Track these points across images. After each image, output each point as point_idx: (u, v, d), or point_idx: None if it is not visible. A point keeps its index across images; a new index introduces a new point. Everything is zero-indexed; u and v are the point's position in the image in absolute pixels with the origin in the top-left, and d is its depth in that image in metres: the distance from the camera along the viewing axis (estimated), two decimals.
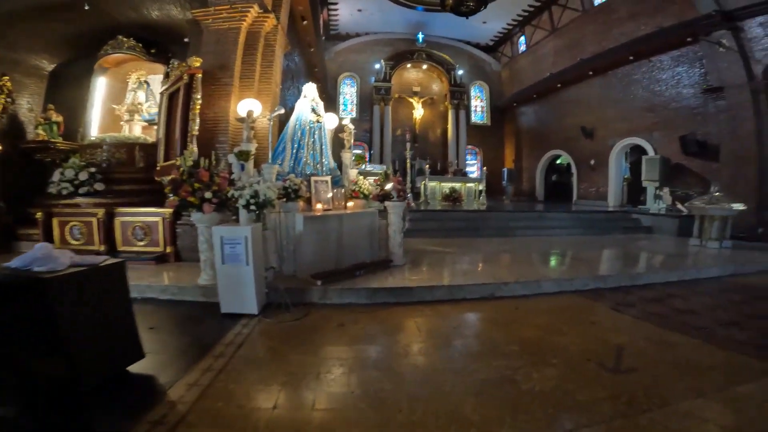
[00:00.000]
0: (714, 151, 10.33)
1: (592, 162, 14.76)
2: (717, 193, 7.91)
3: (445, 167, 16.62)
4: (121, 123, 8.19)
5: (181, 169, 4.59)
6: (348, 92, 19.78)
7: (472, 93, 20.77)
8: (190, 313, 4.13)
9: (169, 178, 4.66)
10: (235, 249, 4.04)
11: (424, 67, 19.53)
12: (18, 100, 8.33)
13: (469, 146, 19.89)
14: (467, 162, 19.67)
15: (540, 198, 17.93)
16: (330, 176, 5.69)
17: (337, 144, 6.64)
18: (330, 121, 6.36)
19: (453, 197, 12.52)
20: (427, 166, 12.73)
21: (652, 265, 6.08)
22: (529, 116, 19.02)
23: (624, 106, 13.32)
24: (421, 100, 19.37)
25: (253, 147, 5.40)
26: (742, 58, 9.21)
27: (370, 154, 18.36)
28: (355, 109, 19.58)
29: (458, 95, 19.05)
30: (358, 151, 19.00)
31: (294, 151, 5.55)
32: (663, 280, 5.47)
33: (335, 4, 17.11)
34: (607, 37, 13.53)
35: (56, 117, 8.55)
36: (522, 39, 19.10)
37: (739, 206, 7.81)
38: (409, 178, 10.25)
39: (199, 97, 5.73)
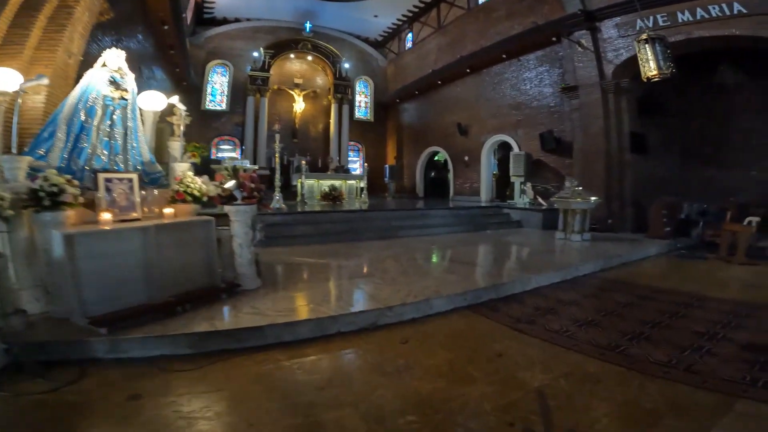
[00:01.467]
0: (568, 148, 11.05)
1: (466, 158, 15.08)
2: (577, 188, 8.21)
3: (327, 164, 15.37)
4: None
5: None
6: (218, 81, 17.22)
7: (357, 88, 19.94)
8: None
9: None
10: None
11: (309, 58, 17.99)
12: None
13: (352, 142, 18.97)
14: (350, 159, 18.73)
15: (420, 194, 17.92)
16: (137, 173, 3.93)
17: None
18: (152, 101, 4.55)
19: (333, 196, 11.32)
20: (304, 162, 11.27)
21: (537, 266, 5.74)
22: (411, 113, 18.90)
23: (494, 103, 13.76)
24: (303, 92, 17.80)
25: None
26: (596, 58, 9.76)
27: (242, 150, 16.11)
28: (225, 100, 17.12)
29: (343, 89, 17.99)
30: (229, 148, 16.64)
31: (71, 136, 3.65)
32: (548, 282, 5.09)
33: None
34: (485, 35, 13.79)
35: None
36: (410, 35, 18.83)
37: (596, 199, 8.22)
38: (278, 175, 8.66)
39: None
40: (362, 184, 12.18)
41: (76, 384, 2.40)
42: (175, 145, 4.64)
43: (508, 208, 11.13)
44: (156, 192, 4.03)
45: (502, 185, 13.56)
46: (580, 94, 10.28)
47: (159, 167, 4.45)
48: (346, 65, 18.05)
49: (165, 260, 3.62)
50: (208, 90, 16.94)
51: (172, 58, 12.30)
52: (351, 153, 19.16)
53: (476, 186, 14.70)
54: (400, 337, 3.29)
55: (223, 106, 17.02)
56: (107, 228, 3.35)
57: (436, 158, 18.01)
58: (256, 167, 11.53)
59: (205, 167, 6.62)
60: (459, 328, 3.61)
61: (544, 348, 3.17)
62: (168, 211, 3.94)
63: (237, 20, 17.55)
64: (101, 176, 3.66)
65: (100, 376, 2.52)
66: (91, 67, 4.01)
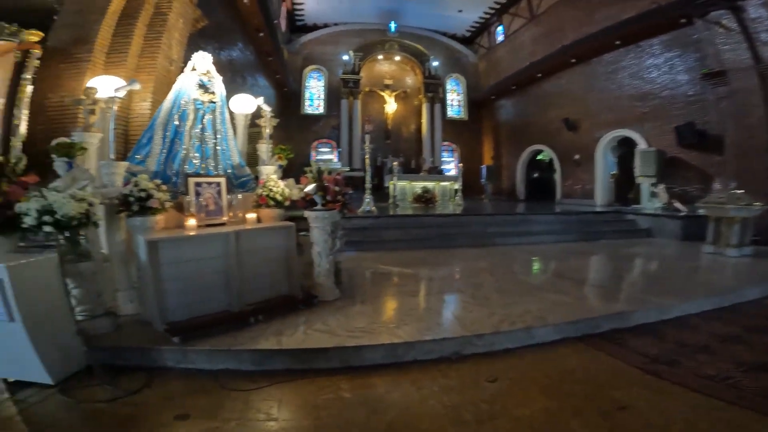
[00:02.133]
0: (716, 143, 9.00)
1: (577, 157, 13.39)
2: (737, 190, 6.46)
3: (420, 165, 15.01)
4: None
5: None
6: (314, 86, 18.08)
7: (448, 86, 19.25)
8: None
9: None
10: None
11: (397, 58, 17.92)
12: None
13: (445, 142, 18.33)
14: (443, 159, 18.12)
15: (521, 197, 16.48)
16: (225, 177, 3.93)
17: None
18: (242, 104, 4.62)
19: (425, 198, 10.91)
20: (396, 163, 11.03)
21: (680, 287, 4.52)
22: (508, 109, 17.60)
23: (610, 95, 12.00)
24: (394, 93, 17.77)
25: (94, 138, 3.63)
26: (746, 39, 8.04)
27: (339, 152, 16.60)
28: (322, 104, 17.89)
29: (433, 88, 17.47)
30: (327, 152, 17.33)
31: (167, 141, 3.77)
32: (698, 310, 3.92)
33: None
34: (588, 21, 12.18)
35: None
36: (500, 29, 17.72)
37: (762, 205, 6.39)
38: (368, 177, 8.51)
39: (28, 77, 3.95)
40: (456, 185, 11.57)
41: (138, 394, 2.34)
42: (263, 148, 4.62)
43: (632, 214, 9.46)
44: (240, 196, 3.99)
45: (624, 187, 11.65)
46: (729, 80, 8.36)
47: (248, 170, 4.45)
48: (435, 63, 17.44)
49: (245, 267, 3.52)
50: (306, 95, 17.82)
51: (271, 65, 13.14)
52: (445, 153, 18.51)
53: (589, 188, 12.95)
54: (487, 373, 2.66)
55: (321, 110, 17.72)
56: (191, 234, 3.33)
57: (539, 157, 16.43)
58: (347, 169, 11.62)
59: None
60: (567, 366, 2.84)
61: (693, 401, 2.29)
62: (250, 216, 3.87)
63: (326, 25, 18.11)
64: (191, 180, 3.71)
65: (162, 388, 2.43)
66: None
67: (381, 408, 2.28)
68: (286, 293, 3.78)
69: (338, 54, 17.33)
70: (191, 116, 3.84)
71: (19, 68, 4.00)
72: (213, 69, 3.99)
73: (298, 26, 17.79)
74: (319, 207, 3.98)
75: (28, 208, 2.61)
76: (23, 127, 3.99)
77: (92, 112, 3.58)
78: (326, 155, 17.04)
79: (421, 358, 2.80)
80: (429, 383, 2.54)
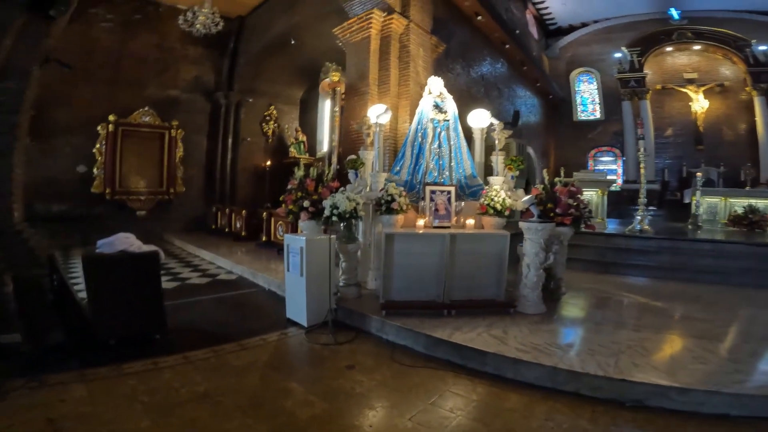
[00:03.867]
0: None
1: None
2: None
3: (758, 177, 10.86)
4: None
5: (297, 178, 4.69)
6: (586, 90, 16.33)
7: None
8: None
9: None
10: (295, 258, 3.83)
11: (697, 47, 13.71)
12: (282, 124, 11.13)
13: None
14: None
15: None
16: (455, 186, 4.53)
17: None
18: (478, 119, 5.11)
19: (748, 221, 7.92)
20: (699, 174, 8.56)
21: None
22: None
23: None
24: (702, 88, 13.60)
25: (370, 155, 4.99)
26: None
27: (623, 161, 14.26)
28: (598, 108, 15.90)
29: (766, 77, 12.31)
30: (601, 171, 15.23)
31: (414, 156, 4.74)
32: None
33: None
34: None
35: (302, 137, 10.87)
36: None
37: None
38: (642, 190, 7.11)
39: (337, 109, 5.86)
40: None
41: (342, 345, 3.34)
42: (496, 159, 4.92)
43: None
44: (463, 204, 4.49)
45: None
46: None
47: (479, 180, 4.90)
48: (762, 48, 12.21)
49: (457, 266, 4.01)
50: (578, 100, 16.25)
51: (527, 74, 12.72)
52: None
53: None
54: None
55: (597, 115, 15.79)
56: (419, 232, 4.14)
57: None
58: (615, 180, 9.79)
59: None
60: None
61: None
62: (469, 222, 4.31)
63: (584, 25, 15.98)
64: (428, 188, 4.53)
65: (357, 345, 3.36)
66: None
67: (488, 419, 2.29)
68: (492, 297, 4.01)
69: (607, 52, 15.01)
70: (430, 134, 4.67)
71: (332, 103, 6.12)
72: (445, 90, 4.68)
73: (551, 30, 16.60)
74: (535, 219, 3.95)
75: (326, 204, 4.05)
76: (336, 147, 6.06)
77: (368, 134, 4.98)
78: (608, 165, 14.92)
79: (584, 393, 2.47)
80: (565, 420, 2.26)
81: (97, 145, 8.75)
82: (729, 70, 13.82)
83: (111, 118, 8.72)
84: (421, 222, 4.30)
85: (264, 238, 7.85)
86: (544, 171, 4.73)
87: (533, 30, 15.10)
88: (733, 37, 13.24)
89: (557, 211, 4.25)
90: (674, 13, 14.35)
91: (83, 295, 3.31)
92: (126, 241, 3.33)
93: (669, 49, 14.45)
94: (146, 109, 9.30)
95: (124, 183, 9.11)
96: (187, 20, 7.33)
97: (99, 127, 8.69)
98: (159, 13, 9.43)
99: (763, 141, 12.54)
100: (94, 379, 2.58)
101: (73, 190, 8.53)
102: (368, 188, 4.72)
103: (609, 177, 9.76)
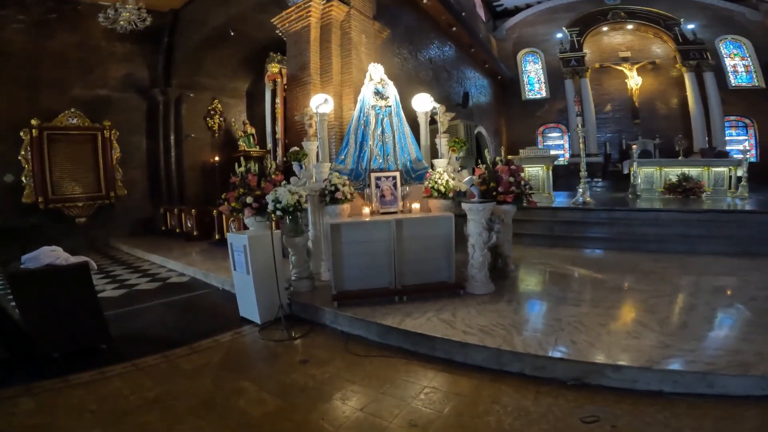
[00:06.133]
0: None
1: None
2: None
3: (690, 147, 11.64)
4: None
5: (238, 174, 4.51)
6: (532, 69, 17.05)
7: (723, 50, 14.35)
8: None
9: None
10: (240, 257, 3.74)
11: (629, 27, 14.74)
12: (229, 118, 10.71)
13: (732, 117, 13.56)
14: (730, 138, 13.40)
15: None
16: (399, 170, 4.52)
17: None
18: (420, 103, 5.10)
19: (683, 188, 8.46)
20: (635, 146, 9.09)
21: None
22: None
23: None
24: (636, 66, 14.60)
25: (313, 145, 4.88)
26: None
27: (569, 137, 14.92)
28: (543, 87, 16.66)
29: (696, 54, 13.46)
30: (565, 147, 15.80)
31: (358, 143, 4.67)
32: None
33: None
34: None
35: (250, 129, 10.50)
36: None
37: None
38: (582, 163, 7.43)
39: (278, 100, 5.67)
40: (740, 171, 8.43)
41: (296, 340, 3.30)
42: (439, 142, 4.95)
43: None
44: (408, 188, 4.49)
45: None
46: None
47: (425, 164, 4.91)
48: (691, 26, 13.38)
49: (406, 252, 4.02)
50: (525, 80, 16.88)
51: (476, 56, 12.96)
52: (732, 132, 13.74)
53: None
54: (592, 411, 2.14)
55: (543, 94, 16.53)
56: (363, 220, 4.10)
57: None
58: (562, 155, 10.26)
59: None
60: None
61: None
62: (415, 206, 4.33)
63: (528, 6, 16.67)
64: (372, 175, 4.49)
65: (311, 339, 3.33)
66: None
67: (437, 405, 2.32)
68: (444, 280, 4.07)
69: (552, 33, 15.75)
70: (373, 120, 4.61)
71: (273, 94, 5.89)
72: (386, 77, 4.62)
73: (498, 12, 17.09)
74: (477, 199, 4.01)
75: (268, 198, 3.92)
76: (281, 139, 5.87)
77: (310, 125, 4.87)
78: (555, 141, 15.56)
79: (529, 373, 2.55)
80: (510, 401, 2.32)
81: (22, 152, 8.04)
82: (660, 48, 14.72)
83: (34, 122, 8.02)
84: (367, 210, 4.27)
85: (217, 236, 7.64)
86: (486, 151, 4.81)
87: (480, 12, 15.26)
88: (663, 16, 14.04)
89: (499, 189, 4.36)
90: None
91: None
92: (52, 255, 3.15)
93: (605, 29, 15.20)
94: (72, 110, 8.60)
95: (58, 190, 8.46)
96: (108, 17, 6.74)
97: (22, 133, 7.98)
98: (78, 11, 8.66)
99: (694, 114, 13.49)
100: (41, 392, 2.53)
101: (1, 201, 7.84)
102: (313, 179, 4.63)
103: (554, 152, 10.13)
